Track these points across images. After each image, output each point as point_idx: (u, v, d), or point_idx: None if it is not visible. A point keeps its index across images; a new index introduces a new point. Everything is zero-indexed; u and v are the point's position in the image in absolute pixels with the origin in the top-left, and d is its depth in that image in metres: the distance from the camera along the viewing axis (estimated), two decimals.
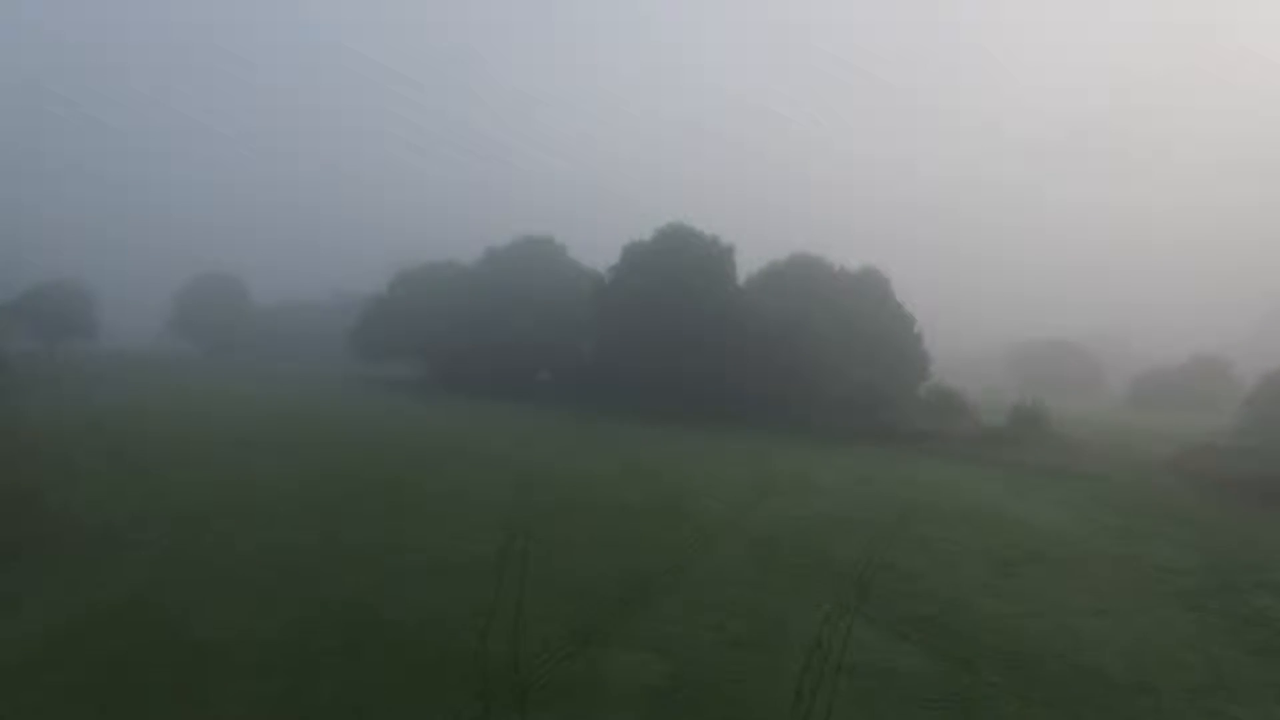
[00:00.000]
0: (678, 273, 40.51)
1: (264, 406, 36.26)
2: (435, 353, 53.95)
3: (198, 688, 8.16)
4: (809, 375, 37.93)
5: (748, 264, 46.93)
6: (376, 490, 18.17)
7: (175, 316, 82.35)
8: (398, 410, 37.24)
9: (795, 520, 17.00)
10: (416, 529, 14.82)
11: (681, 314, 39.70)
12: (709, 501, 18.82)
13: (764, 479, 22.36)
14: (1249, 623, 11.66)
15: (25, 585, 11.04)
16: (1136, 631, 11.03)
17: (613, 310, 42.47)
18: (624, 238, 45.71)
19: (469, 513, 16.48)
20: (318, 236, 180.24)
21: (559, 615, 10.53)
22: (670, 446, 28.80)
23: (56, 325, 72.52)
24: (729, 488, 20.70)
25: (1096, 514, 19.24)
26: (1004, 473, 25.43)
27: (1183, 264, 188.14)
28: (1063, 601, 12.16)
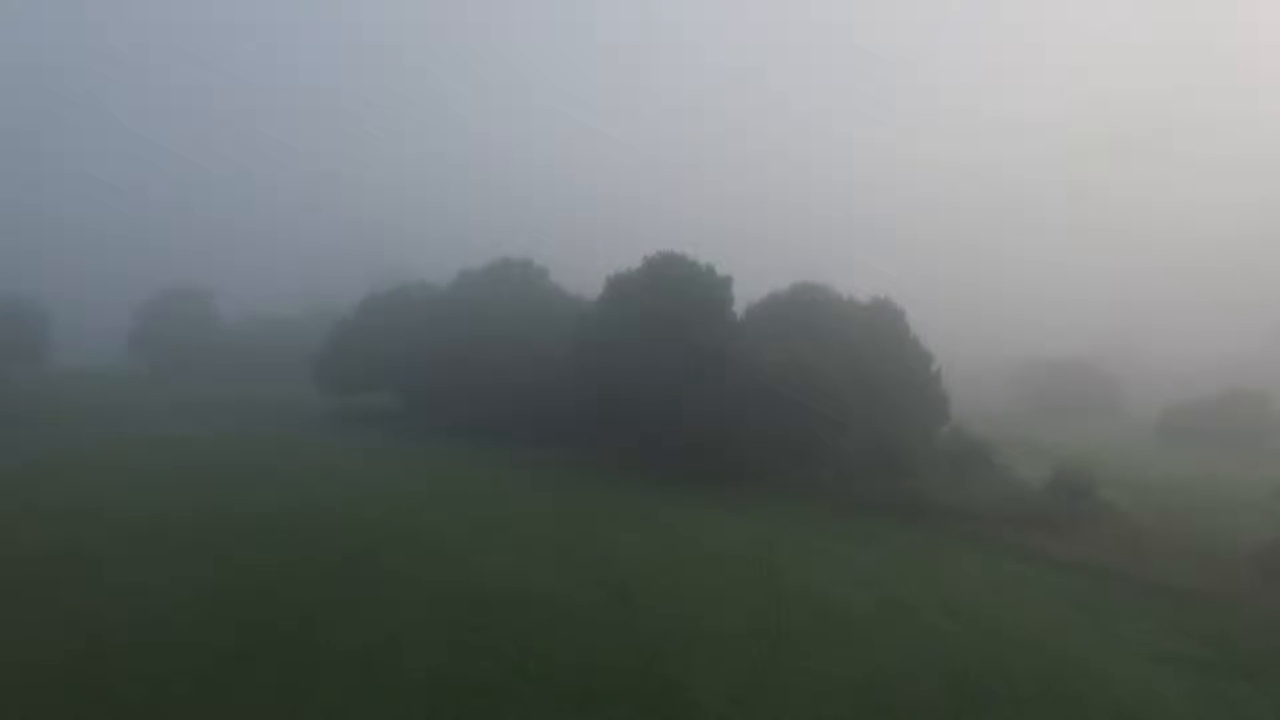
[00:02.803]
0: (669, 309, 35.77)
1: (188, 466, 31.32)
2: (404, 387, 49.16)
3: None
4: (817, 428, 33.27)
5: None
6: (263, 651, 13.37)
7: (135, 335, 77.24)
8: (344, 470, 32.31)
9: (820, 714, 12.27)
10: None
11: (673, 356, 34.98)
12: (701, 662, 14.11)
13: (772, 604, 17.66)
14: None
15: None
16: None
17: (595, 350, 37.71)
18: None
19: (375, 703, 11.79)
20: (297, 246, 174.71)
21: None
22: (655, 533, 24.04)
23: (4, 347, 67.46)
24: (727, 629, 15.96)
25: (1218, 682, 14.57)
26: (1067, 581, 20.76)
27: (1185, 268, 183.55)
28: None
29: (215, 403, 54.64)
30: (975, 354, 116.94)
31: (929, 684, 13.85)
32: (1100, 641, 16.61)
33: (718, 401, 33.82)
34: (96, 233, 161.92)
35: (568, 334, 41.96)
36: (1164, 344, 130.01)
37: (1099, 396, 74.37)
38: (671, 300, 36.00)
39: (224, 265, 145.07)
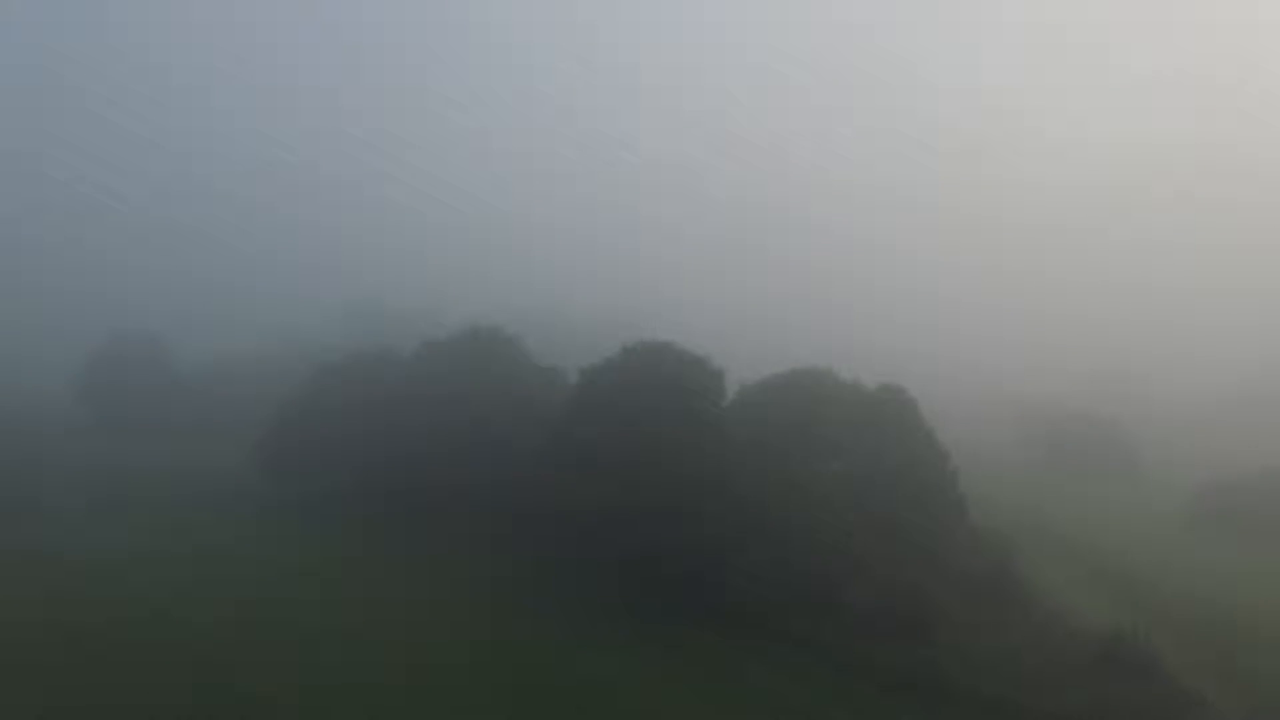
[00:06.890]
0: (650, 417, 30.98)
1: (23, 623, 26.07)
2: (358, 476, 43.93)
3: None
4: (819, 570, 28.48)
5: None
6: None
7: (85, 384, 71.51)
8: (250, 615, 27.22)
9: None
10: None
11: (653, 474, 30.14)
12: None
13: None
14: None
15: None
16: None
17: (570, 455, 32.89)
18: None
19: None
20: (276, 274, 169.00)
21: None
22: None
23: None
24: None
25: None
26: None
27: (1180, 297, 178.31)
28: None
29: (143, 478, 48.98)
30: (971, 393, 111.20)
31: None
32: None
33: (716, 534, 28.88)
34: (57, 259, 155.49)
35: (539, 419, 37.36)
36: (1166, 376, 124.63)
37: (1121, 461, 69.60)
38: (653, 407, 31.23)
39: (196, 293, 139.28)
